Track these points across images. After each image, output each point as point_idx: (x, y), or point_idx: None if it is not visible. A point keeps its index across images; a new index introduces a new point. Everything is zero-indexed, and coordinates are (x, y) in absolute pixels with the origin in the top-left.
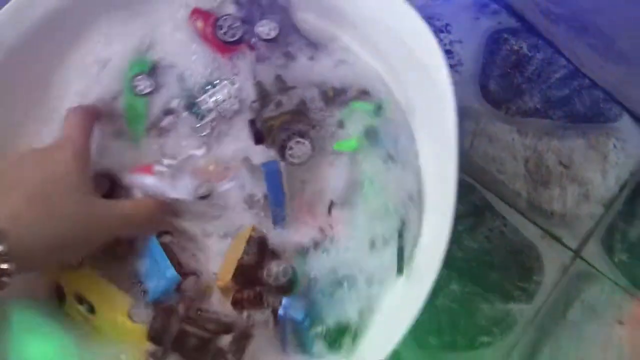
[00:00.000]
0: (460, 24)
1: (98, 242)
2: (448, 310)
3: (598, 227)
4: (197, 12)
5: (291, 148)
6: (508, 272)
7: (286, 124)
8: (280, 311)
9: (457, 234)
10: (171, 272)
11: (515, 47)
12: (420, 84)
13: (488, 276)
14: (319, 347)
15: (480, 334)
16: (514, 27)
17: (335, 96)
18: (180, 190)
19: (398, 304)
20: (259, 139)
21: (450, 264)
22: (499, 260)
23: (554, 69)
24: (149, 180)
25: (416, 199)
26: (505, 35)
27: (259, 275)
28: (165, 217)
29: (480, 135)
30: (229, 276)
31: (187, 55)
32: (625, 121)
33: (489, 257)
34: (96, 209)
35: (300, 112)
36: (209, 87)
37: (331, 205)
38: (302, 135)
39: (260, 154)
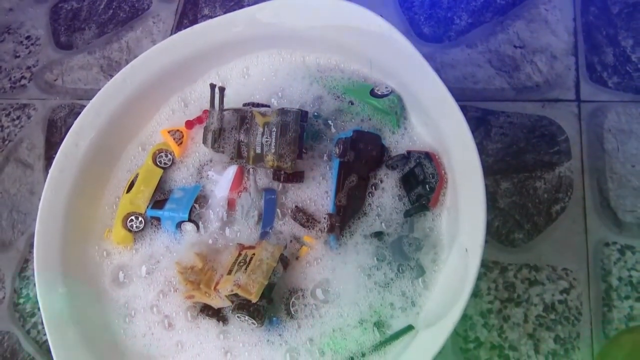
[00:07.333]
0: (372, 2)
1: None
2: (513, 205)
3: (580, 71)
4: None
5: None
6: (537, 147)
7: None
8: None
9: (479, 145)
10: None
11: None
12: None
13: (524, 160)
14: None
15: (551, 205)
16: None
17: None
18: None
19: None
20: None
21: (489, 170)
22: (524, 143)
23: None
24: None
25: None
26: None
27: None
28: None
29: (442, 67)
30: (258, 293)
31: None
32: None
33: (515, 146)
34: None
35: None
36: None
37: None
38: None
39: None
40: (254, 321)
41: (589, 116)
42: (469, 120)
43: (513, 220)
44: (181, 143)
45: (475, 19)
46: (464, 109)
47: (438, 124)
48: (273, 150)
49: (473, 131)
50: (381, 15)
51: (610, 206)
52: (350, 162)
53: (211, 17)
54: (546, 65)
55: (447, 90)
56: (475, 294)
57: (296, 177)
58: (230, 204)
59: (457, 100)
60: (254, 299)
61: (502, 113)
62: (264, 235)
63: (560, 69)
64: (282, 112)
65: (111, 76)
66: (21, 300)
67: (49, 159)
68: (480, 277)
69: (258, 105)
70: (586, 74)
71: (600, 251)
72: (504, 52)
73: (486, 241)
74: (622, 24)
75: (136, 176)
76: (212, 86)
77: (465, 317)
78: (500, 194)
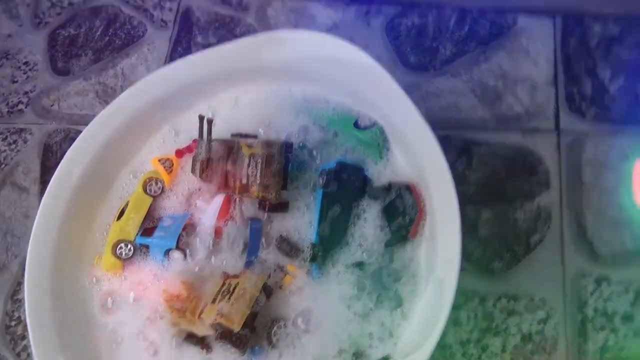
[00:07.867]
0: (360, 33)
1: None
2: (493, 234)
3: (559, 102)
4: None
5: None
6: (517, 177)
7: None
8: None
9: (461, 174)
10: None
11: (409, 23)
12: None
13: (504, 190)
14: None
15: (530, 235)
16: (399, 11)
17: None
18: None
19: None
20: None
21: (470, 199)
22: (504, 173)
23: (447, 19)
24: None
25: None
26: (396, 20)
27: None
28: None
29: (427, 96)
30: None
31: None
32: (523, 19)
33: (495, 175)
34: None
35: None
36: None
37: None
38: None
39: None
40: (236, 350)
41: (568, 147)
42: (452, 149)
43: (493, 249)
44: (171, 171)
45: (459, 48)
46: (447, 139)
47: (417, 156)
48: (258, 181)
49: (455, 160)
50: (368, 45)
51: (587, 237)
52: (334, 192)
53: (204, 45)
54: (527, 96)
55: (426, 123)
56: (455, 323)
57: (280, 207)
58: (217, 233)
59: (441, 129)
60: (236, 328)
61: (484, 142)
62: (248, 264)
63: (540, 100)
64: (267, 143)
65: (106, 102)
66: (12, 323)
67: (44, 183)
68: (460, 307)
69: (246, 136)
70: (565, 105)
71: (576, 282)
72: (487, 81)
73: (465, 269)
74: (601, 56)
75: (127, 204)
76: (201, 117)
77: (444, 346)
78: (480, 223)
